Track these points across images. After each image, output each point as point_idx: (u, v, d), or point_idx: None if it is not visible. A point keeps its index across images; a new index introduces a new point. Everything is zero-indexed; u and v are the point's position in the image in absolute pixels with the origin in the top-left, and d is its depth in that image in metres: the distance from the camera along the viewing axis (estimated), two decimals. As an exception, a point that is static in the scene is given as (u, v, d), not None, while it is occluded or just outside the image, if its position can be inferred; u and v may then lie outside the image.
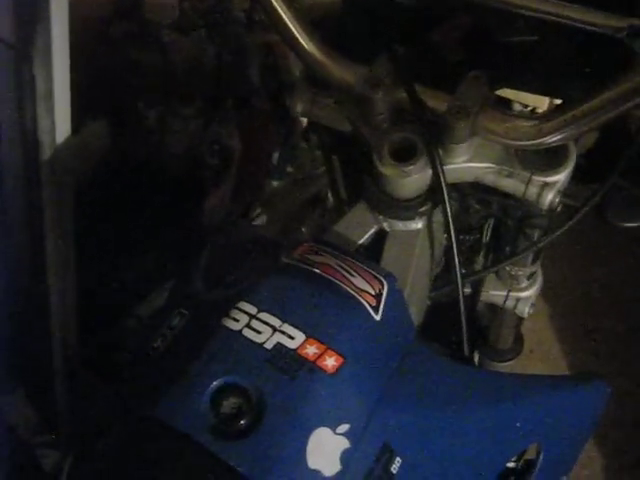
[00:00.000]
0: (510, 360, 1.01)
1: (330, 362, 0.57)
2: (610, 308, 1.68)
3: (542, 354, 1.61)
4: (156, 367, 0.63)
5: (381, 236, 0.70)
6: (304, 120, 1.25)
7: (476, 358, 1.02)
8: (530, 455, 0.74)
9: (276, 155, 1.42)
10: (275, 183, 1.43)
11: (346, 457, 0.56)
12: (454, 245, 0.65)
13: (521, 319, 0.95)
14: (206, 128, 1.35)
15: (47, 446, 1.10)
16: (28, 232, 1.02)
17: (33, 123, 0.93)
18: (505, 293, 0.85)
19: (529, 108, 0.73)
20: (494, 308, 0.93)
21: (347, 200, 0.82)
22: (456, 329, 0.73)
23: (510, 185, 0.66)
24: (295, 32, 0.68)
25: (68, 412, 1.10)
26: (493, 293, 0.86)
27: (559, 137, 0.62)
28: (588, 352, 1.63)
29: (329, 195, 1.25)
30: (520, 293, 0.85)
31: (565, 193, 0.69)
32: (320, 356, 0.57)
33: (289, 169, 1.42)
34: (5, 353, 1.04)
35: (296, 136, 1.38)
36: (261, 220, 1.39)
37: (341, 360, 0.58)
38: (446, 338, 0.74)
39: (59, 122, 0.93)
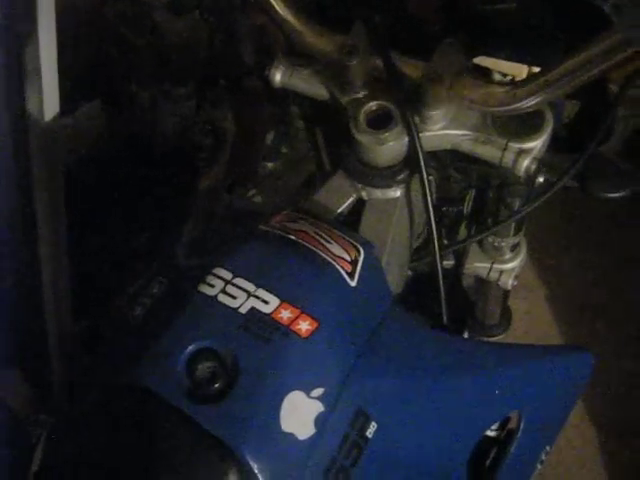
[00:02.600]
0: (498, 335, 1.01)
1: (304, 326, 0.58)
2: (607, 288, 1.68)
3: (538, 335, 1.61)
4: (135, 334, 0.63)
5: (360, 205, 0.71)
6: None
7: (465, 335, 1.02)
8: (513, 425, 0.74)
9: (270, 136, 1.42)
10: (270, 164, 1.43)
11: (320, 421, 0.57)
12: (430, 209, 0.65)
13: (506, 293, 0.95)
14: (199, 109, 1.35)
15: (42, 425, 1.11)
16: (20, 212, 1.03)
17: (21, 101, 0.94)
18: (489, 265, 0.85)
19: (508, 77, 0.73)
20: (480, 282, 0.93)
21: (330, 170, 0.82)
22: (438, 299, 0.73)
23: (487, 152, 0.66)
24: (273, 0, 0.68)
25: (63, 391, 1.11)
26: (477, 265, 0.86)
27: (533, 102, 0.62)
28: (585, 333, 1.63)
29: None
30: (503, 265, 0.85)
31: (546, 164, 0.69)
32: (294, 320, 0.58)
33: (284, 150, 1.42)
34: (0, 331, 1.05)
35: (290, 117, 1.38)
36: (256, 201, 1.39)
37: (315, 324, 0.58)
38: (430, 310, 0.74)
39: (47, 100, 0.93)
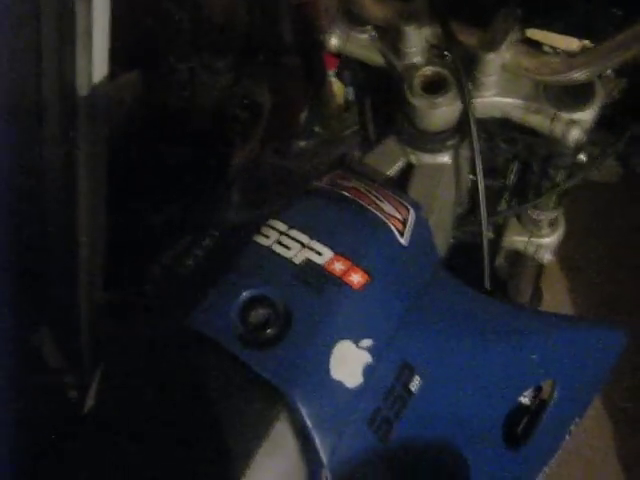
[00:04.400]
0: (528, 309, 1.02)
1: (356, 278, 0.59)
2: (632, 282, 1.68)
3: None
4: (188, 282, 0.65)
5: (409, 169, 0.72)
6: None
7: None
8: (545, 395, 0.75)
9: (304, 115, 1.43)
10: (302, 143, 1.44)
11: (368, 371, 0.58)
12: (480, 174, 0.67)
13: (541, 269, 0.96)
14: (237, 82, 1.36)
15: (71, 387, 1.13)
16: (63, 171, 1.04)
17: (72, 61, 0.95)
18: (527, 239, 0.87)
19: (559, 51, 0.74)
20: (514, 259, 0.94)
21: (376, 138, 0.84)
22: (478, 269, 0.74)
23: (537, 121, 0.68)
24: (333, -34, 0.70)
25: (92, 357, 1.13)
26: (515, 238, 0.87)
27: (588, 72, 0.63)
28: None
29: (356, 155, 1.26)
30: (542, 239, 0.87)
31: (590, 140, 0.70)
32: (347, 272, 0.59)
33: (316, 129, 1.43)
34: (33, 292, 1.06)
35: (325, 96, 1.39)
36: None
37: (367, 277, 0.59)
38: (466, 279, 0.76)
39: (97, 62, 0.95)
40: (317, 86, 1.38)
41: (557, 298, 1.69)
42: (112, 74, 1.26)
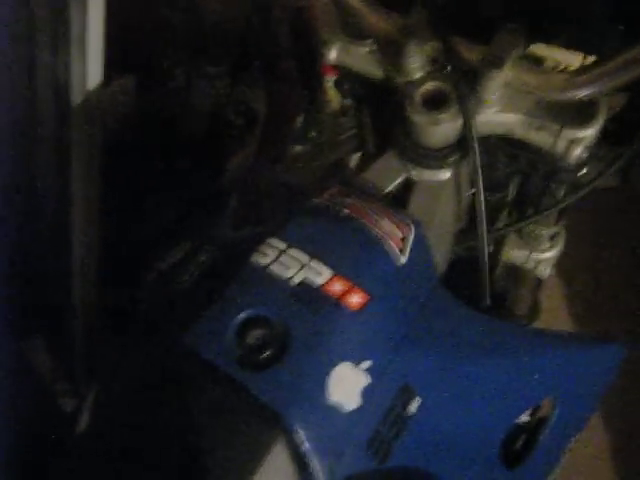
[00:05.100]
0: (527, 325, 1.01)
1: (355, 299, 0.58)
2: (625, 290, 1.68)
3: (557, 332, 1.61)
4: (184, 299, 0.64)
5: (408, 185, 0.71)
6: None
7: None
8: (543, 413, 0.75)
9: (300, 120, 1.42)
10: (298, 147, 1.43)
11: (367, 393, 0.57)
12: (480, 192, 0.66)
13: (539, 283, 0.95)
14: (233, 88, 1.35)
15: (65, 394, 1.12)
16: (56, 178, 1.03)
17: (66, 67, 0.94)
18: (526, 254, 0.86)
19: (562, 66, 0.74)
20: (513, 271, 0.93)
21: (374, 152, 0.83)
22: (477, 285, 0.74)
23: (539, 138, 0.67)
24: (333, -21, 0.69)
25: (85, 363, 1.12)
26: (514, 253, 0.86)
27: (592, 89, 0.63)
28: (601, 332, 1.63)
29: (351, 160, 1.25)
30: (541, 254, 0.86)
31: (593, 156, 0.69)
32: (346, 293, 0.58)
33: (312, 134, 1.42)
34: (26, 300, 1.05)
35: (321, 101, 1.38)
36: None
37: (366, 298, 0.59)
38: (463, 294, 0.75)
39: (91, 67, 0.94)
40: (313, 91, 1.37)
41: (552, 304, 1.69)
42: (107, 79, 1.25)
